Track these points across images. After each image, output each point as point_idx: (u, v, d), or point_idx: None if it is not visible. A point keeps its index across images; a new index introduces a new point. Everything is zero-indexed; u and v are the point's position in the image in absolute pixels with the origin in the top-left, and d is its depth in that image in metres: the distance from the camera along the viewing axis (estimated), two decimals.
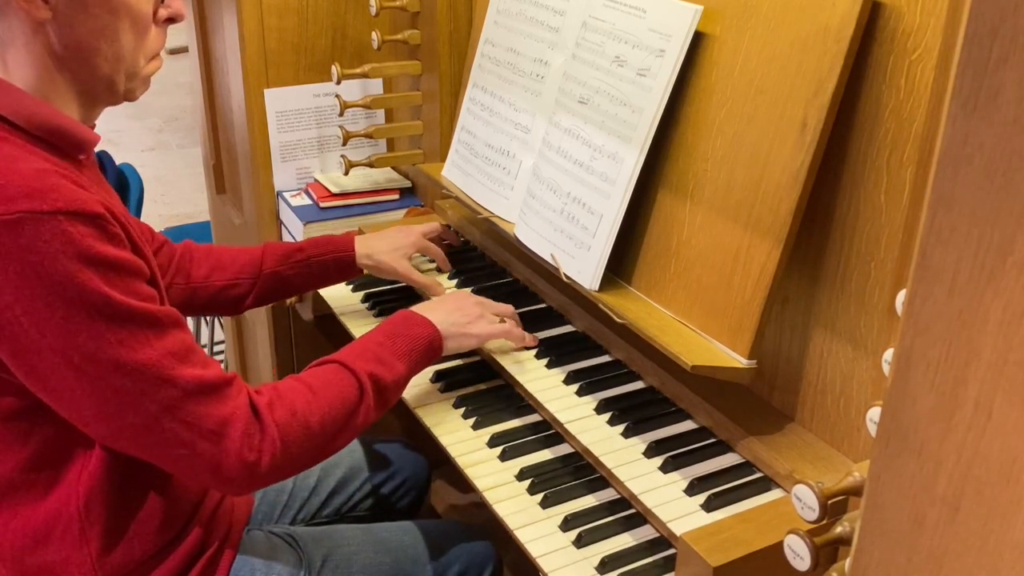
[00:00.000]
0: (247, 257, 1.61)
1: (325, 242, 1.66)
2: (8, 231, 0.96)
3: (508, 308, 1.51)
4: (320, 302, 1.80)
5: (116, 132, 5.61)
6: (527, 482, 1.29)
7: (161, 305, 1.10)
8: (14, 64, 1.08)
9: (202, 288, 1.58)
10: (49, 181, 0.99)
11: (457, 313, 1.40)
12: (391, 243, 1.68)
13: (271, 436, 1.11)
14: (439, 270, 1.78)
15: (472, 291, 1.65)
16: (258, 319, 2.17)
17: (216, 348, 3.06)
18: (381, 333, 1.32)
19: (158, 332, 1.05)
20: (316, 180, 2.10)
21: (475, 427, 1.41)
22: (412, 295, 1.77)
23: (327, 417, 1.17)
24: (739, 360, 1.20)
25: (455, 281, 1.73)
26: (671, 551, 1.17)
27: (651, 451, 1.27)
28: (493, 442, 1.37)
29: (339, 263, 1.64)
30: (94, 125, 1.19)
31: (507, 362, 1.48)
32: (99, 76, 1.12)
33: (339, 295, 1.79)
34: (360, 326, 1.69)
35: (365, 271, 1.69)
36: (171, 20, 1.19)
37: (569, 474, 1.32)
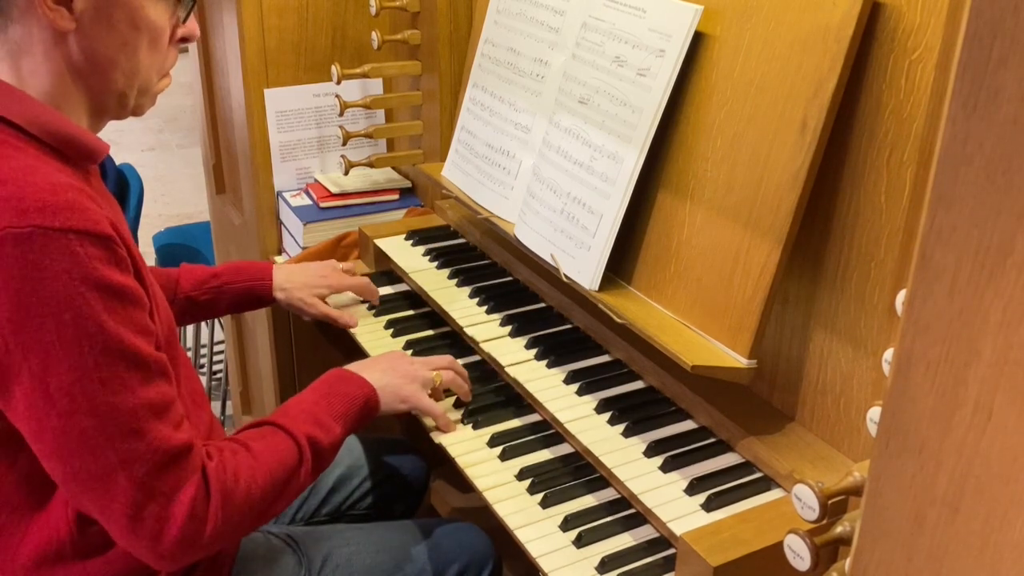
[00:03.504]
0: (163, 279, 1.55)
1: (242, 268, 1.62)
2: (17, 244, 0.95)
3: (446, 360, 1.46)
4: None
5: (116, 132, 5.60)
6: (527, 482, 1.29)
7: (156, 339, 1.08)
8: (29, 72, 1.07)
9: None
10: (65, 197, 0.98)
11: (392, 373, 1.37)
12: (307, 279, 1.64)
13: (215, 506, 1.08)
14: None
15: (474, 284, 1.65)
16: (258, 318, 2.17)
17: (216, 348, 3.06)
18: (317, 392, 1.29)
19: (143, 379, 1.03)
20: (316, 180, 2.10)
21: (475, 427, 1.41)
22: (413, 296, 1.77)
23: (267, 484, 1.14)
24: (739, 360, 1.20)
25: (454, 280, 1.72)
26: (671, 551, 1.17)
27: (651, 451, 1.27)
28: (493, 442, 1.37)
29: (254, 291, 1.61)
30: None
31: (507, 362, 1.48)
32: (112, 89, 1.12)
33: (339, 294, 1.79)
34: (360, 326, 1.69)
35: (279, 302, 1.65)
36: (185, 40, 1.19)
37: (569, 474, 1.32)
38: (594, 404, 1.37)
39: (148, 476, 1.03)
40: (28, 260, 0.95)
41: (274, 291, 1.63)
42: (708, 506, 1.17)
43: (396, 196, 2.09)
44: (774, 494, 1.21)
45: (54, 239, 0.96)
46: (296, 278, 1.65)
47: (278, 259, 2.06)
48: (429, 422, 1.42)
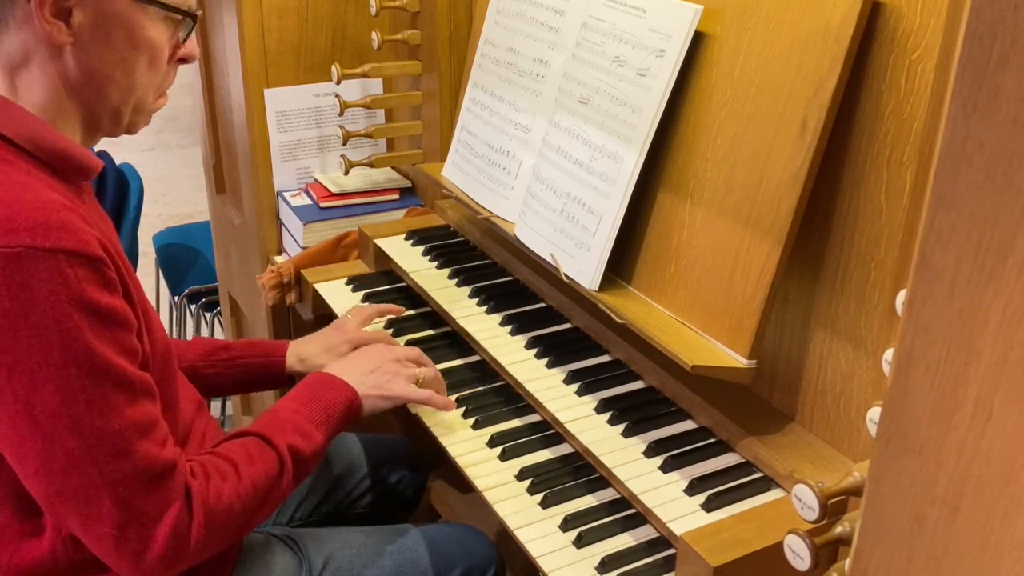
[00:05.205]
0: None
1: (256, 344, 1.55)
2: (6, 264, 0.94)
3: (414, 351, 1.44)
4: (320, 302, 1.80)
5: None
6: (527, 482, 1.29)
7: (142, 360, 1.07)
8: (23, 85, 1.06)
9: None
10: (56, 216, 0.97)
11: (375, 373, 1.36)
12: (323, 344, 1.53)
13: (197, 524, 1.08)
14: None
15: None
16: (258, 318, 2.17)
17: None
18: (298, 400, 1.28)
19: (129, 399, 1.02)
20: (316, 180, 2.10)
21: (475, 427, 1.41)
22: (413, 296, 1.77)
23: (249, 496, 1.14)
24: (739, 360, 1.20)
25: (454, 280, 1.72)
26: (671, 551, 1.17)
27: (651, 451, 1.27)
28: (493, 442, 1.37)
29: (265, 368, 1.52)
30: None
31: (507, 361, 1.48)
32: (107, 106, 1.11)
33: (339, 294, 1.79)
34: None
35: (296, 376, 1.52)
36: (184, 60, 1.18)
37: (569, 474, 1.32)
38: (594, 404, 1.37)
39: (133, 497, 1.03)
40: (17, 280, 0.94)
41: (291, 364, 1.52)
42: (708, 506, 1.17)
43: (396, 196, 2.09)
44: (774, 494, 1.21)
45: (43, 259, 0.95)
46: (311, 348, 1.54)
47: (278, 259, 2.05)
48: (429, 418, 1.41)
